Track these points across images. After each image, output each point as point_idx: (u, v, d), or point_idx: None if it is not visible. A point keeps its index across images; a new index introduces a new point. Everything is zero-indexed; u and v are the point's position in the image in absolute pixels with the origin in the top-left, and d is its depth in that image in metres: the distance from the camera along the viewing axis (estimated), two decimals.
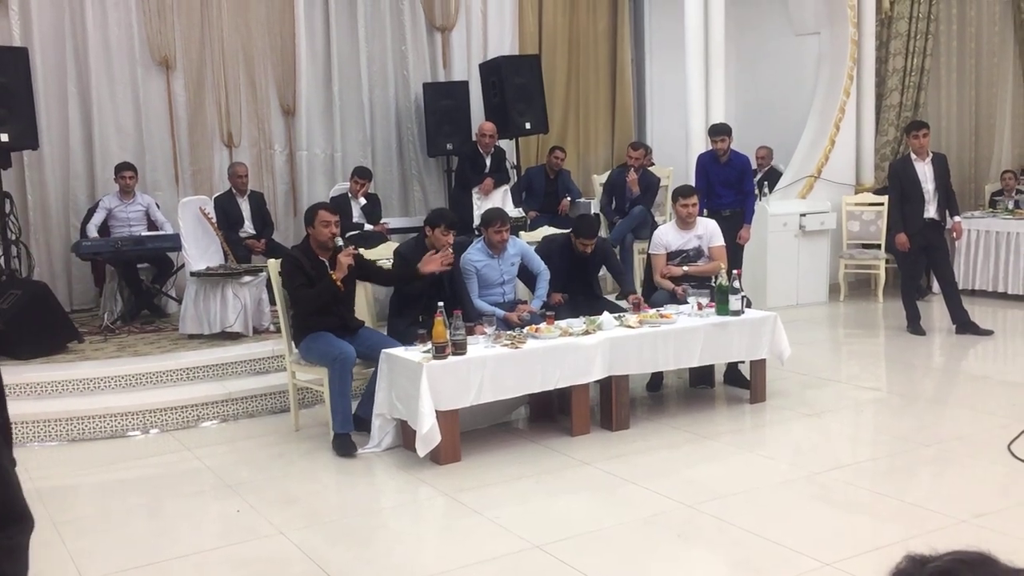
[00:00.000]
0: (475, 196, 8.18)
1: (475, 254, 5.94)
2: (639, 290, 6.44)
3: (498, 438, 5.21)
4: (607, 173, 9.16)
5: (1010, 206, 9.60)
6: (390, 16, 9.23)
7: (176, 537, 3.99)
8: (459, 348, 4.81)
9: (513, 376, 4.93)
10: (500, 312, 5.73)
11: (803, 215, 9.03)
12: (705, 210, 7.27)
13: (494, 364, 4.86)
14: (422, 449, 4.62)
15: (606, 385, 5.29)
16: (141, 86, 8.12)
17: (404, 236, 7.92)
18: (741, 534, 3.78)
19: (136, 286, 7.51)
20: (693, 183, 7.43)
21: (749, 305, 5.86)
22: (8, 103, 6.46)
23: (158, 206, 7.86)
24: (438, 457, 4.72)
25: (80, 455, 5.24)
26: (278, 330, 5.89)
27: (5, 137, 6.49)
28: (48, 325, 6.33)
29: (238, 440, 5.43)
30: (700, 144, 8.33)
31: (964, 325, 7.47)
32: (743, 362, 5.84)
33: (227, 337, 6.55)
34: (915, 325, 7.58)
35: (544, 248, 6.31)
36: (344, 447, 4.96)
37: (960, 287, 7.90)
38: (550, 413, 5.53)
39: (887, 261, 9.09)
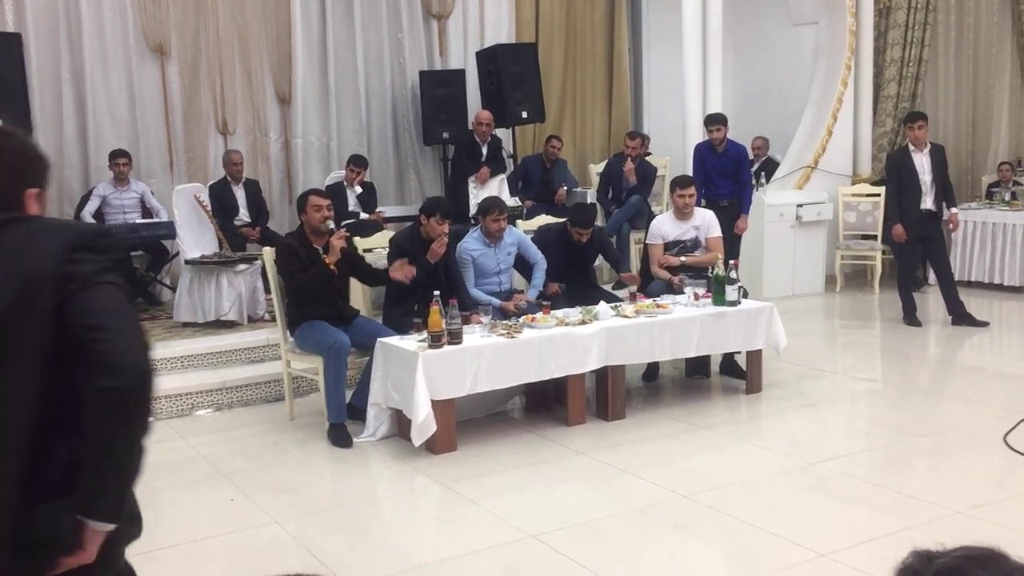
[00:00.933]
0: (471, 185, 8.14)
1: (472, 243, 5.92)
2: None
3: (494, 428, 5.20)
4: (604, 162, 9.13)
5: (1007, 197, 9.60)
6: (386, 3, 9.18)
7: (170, 526, 3.97)
8: (455, 337, 4.80)
9: (509, 366, 4.92)
10: (496, 301, 5.71)
11: (800, 206, 9.02)
12: (703, 200, 7.25)
13: (490, 353, 4.84)
14: (417, 438, 4.61)
15: (602, 375, 5.28)
16: (136, 73, 8.06)
17: (400, 225, 7.90)
18: (737, 524, 3.78)
19: (130, 274, 7.48)
20: (690, 173, 7.41)
21: (745, 295, 5.85)
22: (1, 89, 6.42)
23: (152, 193, 7.82)
24: (433, 446, 4.71)
25: None
26: (273, 318, 5.87)
27: None
28: None
29: (233, 429, 5.41)
30: (697, 134, 8.31)
31: (960, 316, 7.47)
32: (739, 352, 5.84)
33: (222, 325, 6.53)
34: (911, 316, 7.58)
35: (540, 238, 6.29)
36: (339, 436, 4.94)
37: (956, 278, 7.89)
38: (546, 403, 5.52)
39: (883, 252, 9.09)
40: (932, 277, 8.30)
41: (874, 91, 9.90)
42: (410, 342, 4.84)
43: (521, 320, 5.23)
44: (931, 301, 8.24)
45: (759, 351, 5.74)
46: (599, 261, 6.52)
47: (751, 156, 8.73)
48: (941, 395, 5.93)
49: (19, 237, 1.71)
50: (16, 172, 1.82)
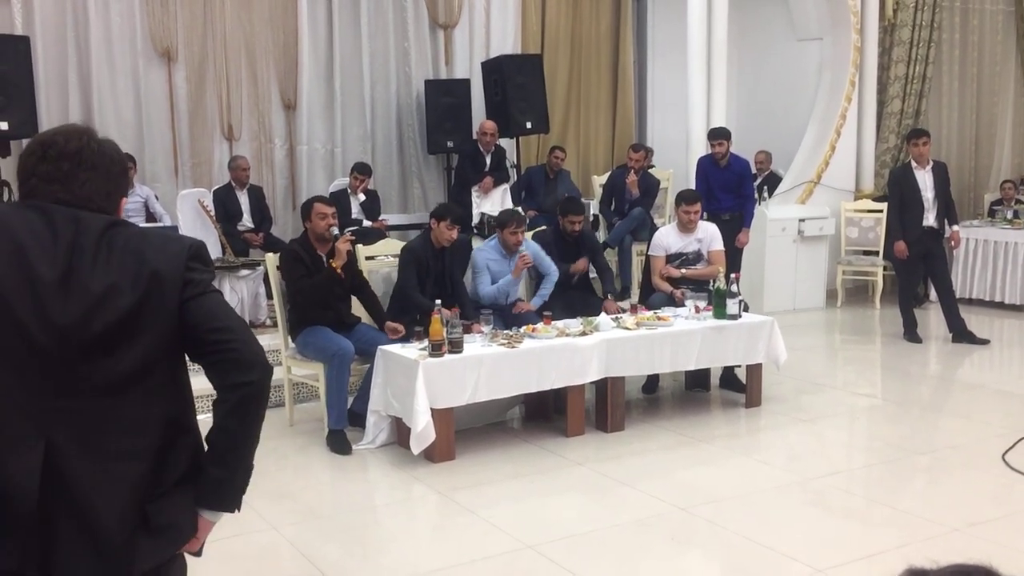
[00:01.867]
0: (474, 194, 8.17)
1: (489, 251, 6.01)
2: (637, 292, 6.45)
3: (493, 437, 5.20)
4: (607, 174, 9.15)
5: (1009, 216, 9.60)
6: (393, 12, 9.21)
7: None
8: (455, 346, 4.81)
9: (509, 375, 4.93)
10: (508, 288, 5.88)
11: (802, 220, 9.03)
12: (705, 213, 7.27)
13: (490, 363, 4.85)
14: (416, 447, 4.62)
15: (602, 386, 5.29)
16: (142, 77, 8.08)
17: (403, 233, 7.91)
18: (734, 538, 3.78)
19: None
20: (693, 186, 7.43)
21: (746, 309, 5.86)
22: (8, 91, 6.44)
23: (157, 198, 7.83)
24: (432, 455, 4.72)
25: None
26: (275, 324, 5.88)
27: (5, 125, 6.47)
28: None
29: None
30: (700, 147, 8.32)
31: (960, 334, 7.48)
32: (739, 366, 5.85)
33: None
34: (912, 333, 7.58)
35: (538, 243, 6.35)
36: (339, 443, 4.95)
37: (957, 296, 7.91)
38: (545, 413, 5.52)
39: (885, 268, 9.10)
40: (933, 294, 8.32)
41: (878, 107, 9.92)
42: (411, 350, 4.85)
43: (522, 330, 5.24)
44: (932, 318, 8.25)
45: (759, 365, 5.74)
46: (592, 272, 6.55)
47: (754, 170, 8.75)
48: (940, 412, 5.94)
49: (130, 239, 1.79)
50: (122, 180, 1.94)
